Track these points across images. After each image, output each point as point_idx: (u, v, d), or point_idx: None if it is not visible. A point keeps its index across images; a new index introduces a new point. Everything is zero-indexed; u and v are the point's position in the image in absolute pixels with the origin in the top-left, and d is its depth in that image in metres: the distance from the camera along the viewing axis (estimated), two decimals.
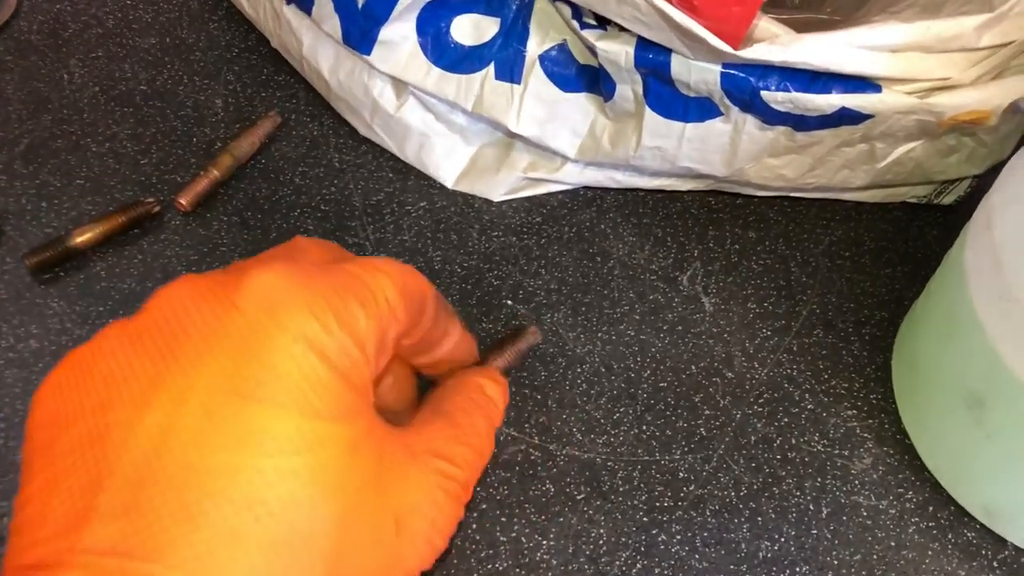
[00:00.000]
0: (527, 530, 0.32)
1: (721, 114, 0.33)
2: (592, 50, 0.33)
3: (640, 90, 0.33)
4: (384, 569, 0.23)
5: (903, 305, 0.38)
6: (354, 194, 0.40)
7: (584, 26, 0.32)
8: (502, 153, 0.40)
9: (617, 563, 0.31)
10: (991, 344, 0.28)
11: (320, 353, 0.21)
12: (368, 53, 0.36)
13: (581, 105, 0.36)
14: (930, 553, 0.32)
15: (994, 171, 0.37)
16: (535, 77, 0.35)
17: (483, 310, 0.37)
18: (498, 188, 0.40)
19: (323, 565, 0.21)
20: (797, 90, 0.30)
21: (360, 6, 0.35)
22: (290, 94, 0.43)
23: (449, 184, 0.40)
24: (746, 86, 0.31)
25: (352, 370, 0.22)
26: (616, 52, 0.32)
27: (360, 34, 0.36)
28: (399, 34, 0.36)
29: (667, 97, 0.33)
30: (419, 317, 0.26)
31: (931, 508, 0.33)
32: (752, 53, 0.29)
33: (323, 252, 0.27)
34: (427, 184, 0.41)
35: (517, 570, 0.31)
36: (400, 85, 0.38)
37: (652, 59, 0.31)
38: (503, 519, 0.32)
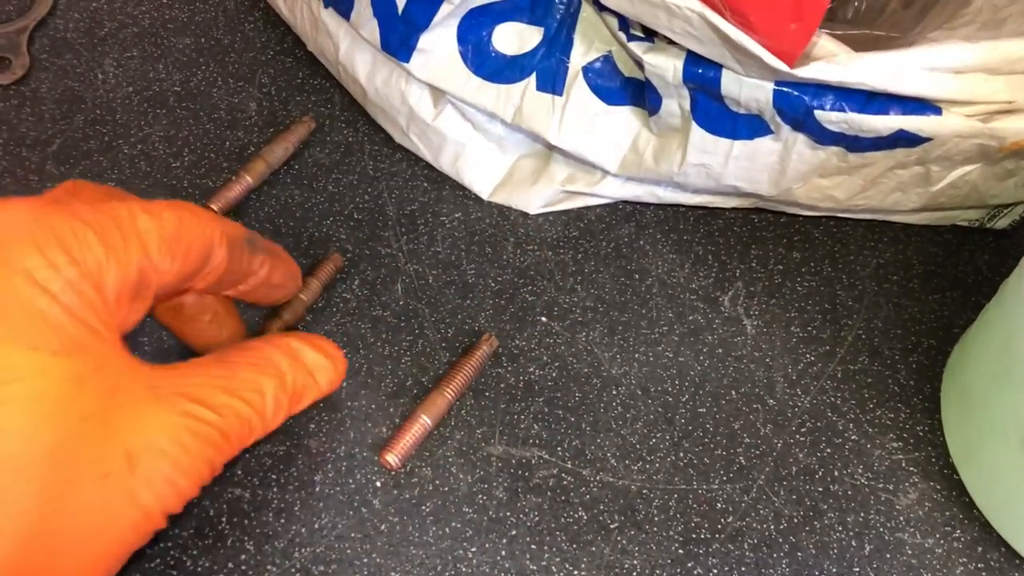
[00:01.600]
0: (557, 559, 0.31)
1: (771, 132, 0.32)
2: (639, 63, 0.32)
3: (687, 105, 0.32)
4: (113, 504, 0.23)
5: (952, 333, 0.36)
6: (388, 203, 0.39)
7: (631, 38, 0.31)
8: (540, 165, 0.39)
9: None
10: None
11: (42, 287, 0.21)
12: (407, 60, 0.36)
13: (624, 119, 0.35)
14: None
15: None
16: (578, 89, 0.34)
17: (516, 326, 0.36)
18: (535, 201, 0.39)
19: (35, 495, 0.21)
20: (853, 110, 0.29)
21: (400, 12, 0.34)
22: (325, 99, 0.42)
23: (485, 195, 0.39)
24: (800, 105, 0.29)
25: (82, 307, 0.22)
26: (664, 66, 0.31)
27: (399, 41, 0.35)
28: (439, 41, 0.35)
29: (715, 113, 0.32)
30: (201, 263, 0.26)
31: (980, 548, 0.32)
32: (808, 72, 0.27)
33: (99, 194, 0.27)
34: (462, 195, 0.40)
35: None
36: (438, 93, 0.37)
37: (701, 74, 0.30)
38: (533, 547, 0.31)
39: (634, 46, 0.31)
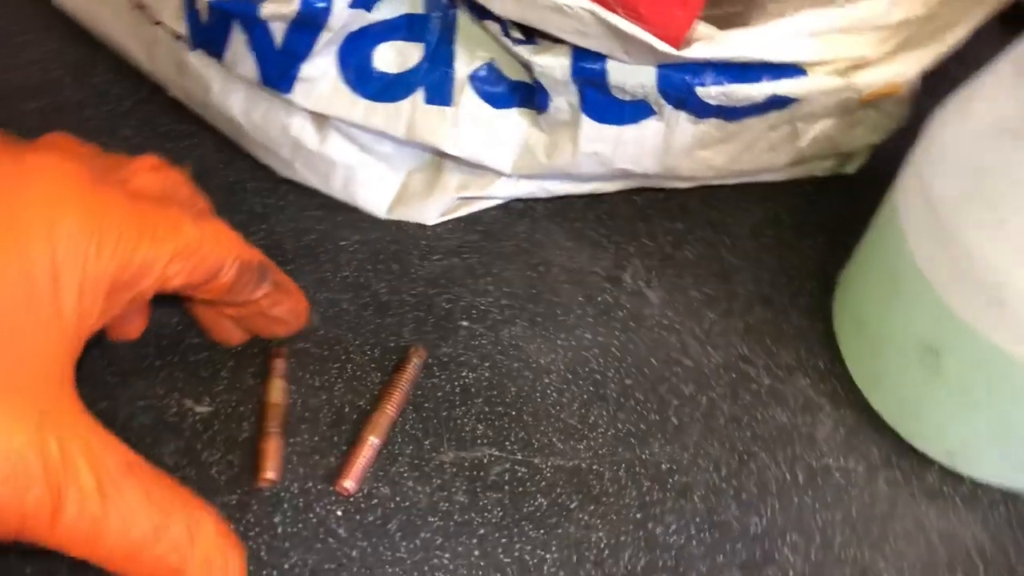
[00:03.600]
0: (528, 547, 0.32)
1: (655, 113, 0.34)
2: (527, 65, 0.33)
3: (576, 100, 0.34)
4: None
5: (828, 272, 0.40)
6: (283, 237, 0.39)
7: (516, 42, 0.33)
8: (432, 176, 0.39)
9: (621, 563, 0.32)
10: (939, 297, 0.30)
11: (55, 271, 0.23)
12: (289, 91, 0.36)
13: (514, 120, 0.36)
14: (900, 501, 0.34)
15: (894, 138, 0.40)
16: (467, 98, 0.35)
17: (440, 335, 0.37)
18: (431, 212, 0.40)
19: None
20: (730, 83, 0.32)
21: (279, 45, 0.34)
22: (195, 143, 0.42)
23: (381, 214, 0.40)
24: (682, 85, 0.32)
25: (73, 302, 0.24)
26: (552, 65, 0.32)
27: (279, 73, 0.35)
28: (320, 69, 0.35)
29: (603, 104, 0.34)
30: (208, 279, 0.28)
31: (894, 459, 0.35)
32: (693, 52, 0.30)
33: (89, 150, 0.29)
34: (358, 217, 0.40)
35: None
36: (321, 120, 0.38)
37: (589, 69, 0.32)
38: (503, 540, 0.32)
39: (520, 50, 0.33)
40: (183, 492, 0.25)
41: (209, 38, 0.36)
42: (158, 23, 0.38)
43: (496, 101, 0.36)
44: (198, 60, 0.38)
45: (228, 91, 0.38)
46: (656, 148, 0.35)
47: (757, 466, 0.35)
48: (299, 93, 0.36)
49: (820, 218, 0.42)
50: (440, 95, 0.36)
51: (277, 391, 0.34)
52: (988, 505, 0.34)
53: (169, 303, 0.34)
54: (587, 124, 0.34)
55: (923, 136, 0.31)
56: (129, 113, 0.42)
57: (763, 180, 0.42)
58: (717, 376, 0.37)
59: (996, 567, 0.33)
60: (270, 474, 0.32)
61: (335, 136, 0.38)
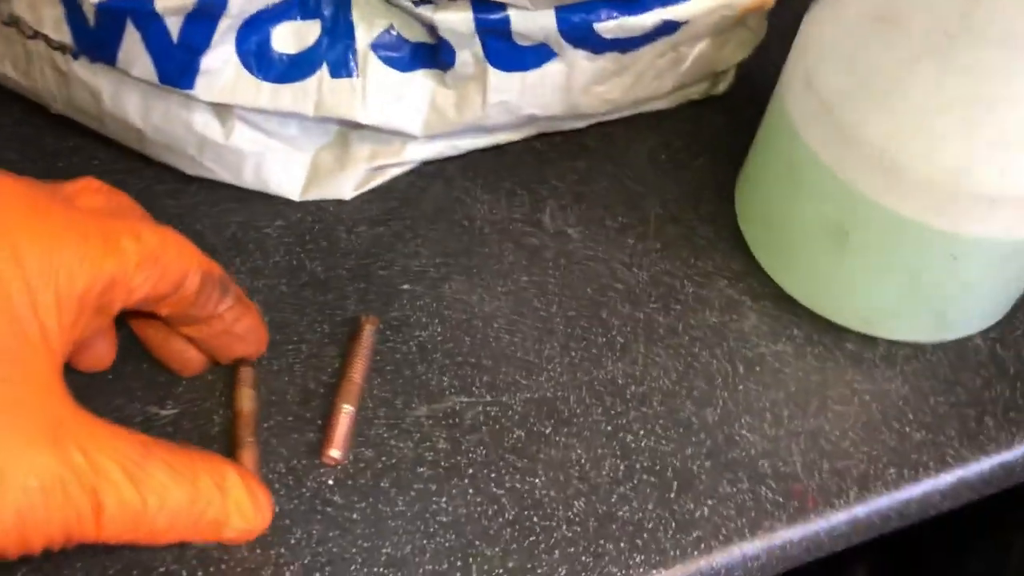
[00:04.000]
0: (517, 476, 0.34)
1: (556, 55, 0.36)
2: (430, 25, 0.34)
3: (480, 52, 0.35)
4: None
5: (722, 183, 0.43)
6: (205, 234, 0.39)
7: (418, 3, 0.34)
8: (341, 151, 0.40)
9: (604, 472, 0.34)
10: (840, 179, 0.34)
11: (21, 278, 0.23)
12: (191, 87, 0.35)
13: (420, 83, 0.37)
14: (829, 371, 0.38)
15: (756, 55, 0.43)
16: (371, 67, 0.36)
17: (384, 302, 0.38)
18: (346, 186, 0.40)
19: None
20: (623, 15, 0.34)
21: (176, 40, 0.34)
22: (88, 157, 0.41)
23: (296, 197, 0.40)
24: (581, 22, 0.34)
25: (46, 308, 0.24)
26: (455, 21, 0.34)
27: (179, 69, 0.35)
28: (221, 60, 0.35)
29: (506, 52, 0.35)
30: (173, 288, 0.27)
31: (815, 336, 0.39)
32: None
33: (108, 201, 0.30)
34: (275, 202, 0.40)
35: (526, 512, 0.33)
36: (224, 112, 0.37)
37: (492, 19, 0.34)
38: (493, 475, 0.34)
39: (422, 10, 0.34)
40: (199, 452, 0.27)
41: (97, 42, 0.35)
42: (34, 35, 0.37)
43: (401, 65, 0.37)
44: (84, 69, 0.37)
45: (122, 96, 0.37)
46: (559, 88, 0.37)
47: (701, 365, 0.38)
48: (201, 87, 0.36)
49: (705, 137, 0.45)
50: (344, 68, 0.36)
51: (247, 399, 0.34)
52: (903, 360, 0.38)
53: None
54: (493, 74, 0.36)
55: (802, 34, 0.34)
56: (11, 136, 0.40)
57: (650, 110, 0.45)
58: (647, 293, 0.39)
59: (921, 412, 0.37)
60: None
61: (240, 126, 0.38)
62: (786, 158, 0.36)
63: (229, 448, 0.33)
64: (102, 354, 0.32)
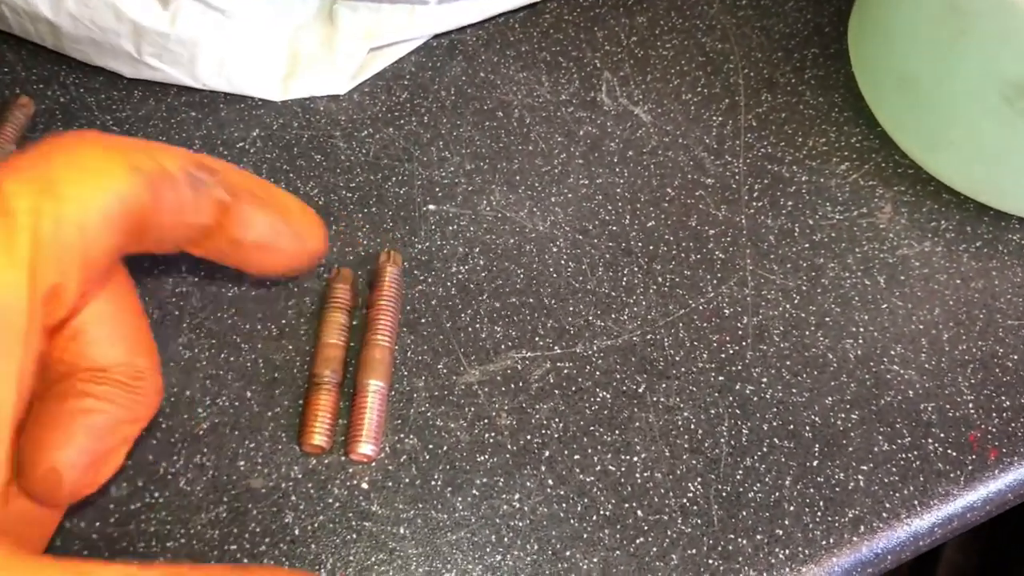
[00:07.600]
0: (608, 455, 0.25)
1: None
2: None
3: None
4: None
5: (826, 32, 0.33)
6: None
7: None
8: (326, 29, 0.30)
9: (722, 440, 0.26)
10: None
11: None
12: None
13: None
14: (995, 274, 0.29)
15: None
16: None
17: (406, 229, 0.29)
18: (339, 76, 0.30)
19: None
20: None
21: None
22: (7, 71, 0.30)
23: (276, 96, 0.30)
24: None
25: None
26: None
27: None
28: None
29: None
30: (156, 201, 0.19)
31: (969, 228, 0.30)
32: None
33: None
34: (249, 106, 0.30)
35: (627, 505, 0.25)
36: None
37: None
38: (576, 456, 0.25)
39: None
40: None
41: None
42: None
43: None
44: None
45: None
46: None
47: (829, 280, 0.29)
48: None
49: None
50: None
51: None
52: None
53: None
54: None
55: None
56: None
57: None
58: (747, 188, 0.30)
59: None
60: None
61: (186, 5, 0.28)
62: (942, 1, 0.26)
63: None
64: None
